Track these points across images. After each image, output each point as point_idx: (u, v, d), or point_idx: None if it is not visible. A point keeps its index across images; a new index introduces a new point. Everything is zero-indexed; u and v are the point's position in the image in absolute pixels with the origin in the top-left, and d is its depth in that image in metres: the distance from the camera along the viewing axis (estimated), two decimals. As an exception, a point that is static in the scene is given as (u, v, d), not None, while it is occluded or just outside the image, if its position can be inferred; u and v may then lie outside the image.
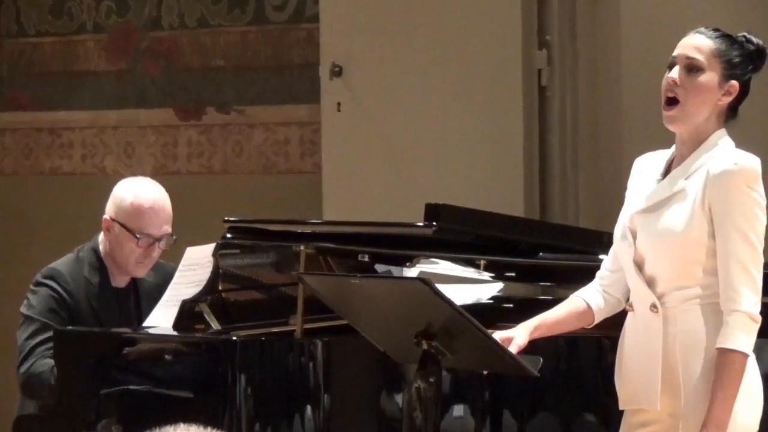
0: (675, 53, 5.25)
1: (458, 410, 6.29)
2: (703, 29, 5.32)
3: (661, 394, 5.21)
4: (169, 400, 6.02)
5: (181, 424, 2.41)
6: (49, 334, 6.75)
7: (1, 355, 8.40)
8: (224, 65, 8.42)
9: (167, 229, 6.90)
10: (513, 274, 6.55)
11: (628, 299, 5.41)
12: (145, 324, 6.73)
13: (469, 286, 6.11)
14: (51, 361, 6.68)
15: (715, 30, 5.34)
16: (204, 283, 6.49)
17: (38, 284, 6.99)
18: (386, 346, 5.68)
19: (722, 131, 5.22)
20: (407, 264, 6.55)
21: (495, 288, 5.96)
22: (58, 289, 6.83)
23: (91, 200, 7.61)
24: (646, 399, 5.26)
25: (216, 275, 6.54)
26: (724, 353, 5.02)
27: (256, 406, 6.06)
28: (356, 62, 7.66)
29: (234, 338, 6.21)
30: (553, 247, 6.27)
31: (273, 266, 6.91)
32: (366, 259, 6.59)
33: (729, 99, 5.20)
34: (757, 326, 5.07)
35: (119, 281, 6.96)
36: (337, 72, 7.61)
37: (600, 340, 5.80)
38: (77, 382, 6.49)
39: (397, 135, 7.52)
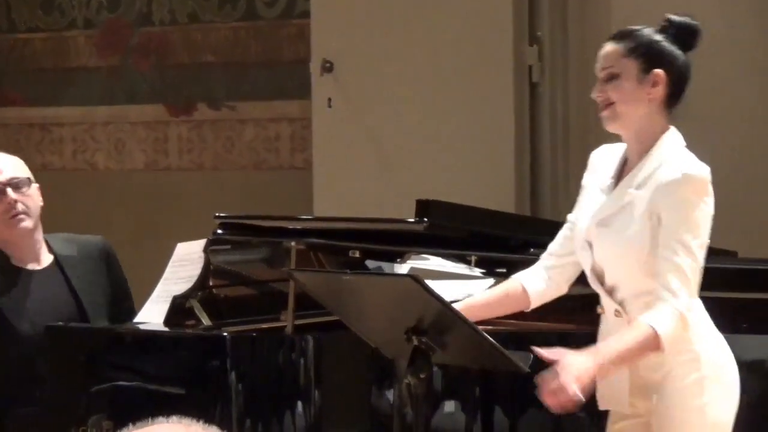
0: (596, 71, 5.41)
1: (449, 406, 6.31)
2: (611, 36, 5.48)
3: (631, 395, 5.35)
4: (160, 395, 6.10)
5: (174, 417, 2.22)
6: None
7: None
8: (215, 61, 8.46)
9: (9, 174, 6.77)
10: (504, 270, 6.49)
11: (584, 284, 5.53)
12: (136, 320, 6.69)
13: (459, 282, 6.14)
14: None
15: (621, 31, 5.50)
16: (195, 279, 6.49)
17: None
18: (377, 341, 5.70)
19: (671, 132, 5.29)
20: (398, 260, 6.50)
21: (486, 284, 6.02)
22: None
23: (82, 196, 7.59)
24: (616, 401, 5.41)
25: (207, 271, 6.53)
26: (645, 326, 5.08)
27: (247, 401, 6.08)
28: (347, 58, 7.69)
29: (224, 334, 6.20)
30: (543, 243, 6.28)
31: (264, 262, 6.94)
32: (357, 255, 6.55)
33: (659, 88, 5.26)
34: (684, 329, 5.19)
35: (26, 262, 6.85)
36: (327, 68, 7.65)
37: (593, 336, 5.70)
38: (68, 378, 6.53)
39: (388, 131, 7.58)
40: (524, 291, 5.49)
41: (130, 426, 2.26)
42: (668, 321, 5.06)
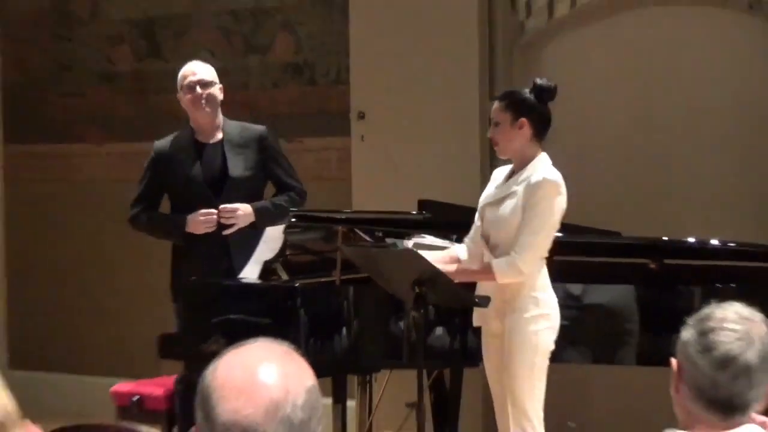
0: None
1: (438, 331, 6.40)
2: (496, 96, 5.89)
3: (493, 319, 5.62)
4: (255, 324, 6.17)
5: (261, 339, 2.37)
6: (143, 187, 6.71)
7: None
8: (290, 111, 8.13)
9: (200, 77, 6.63)
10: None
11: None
12: (240, 276, 6.53)
13: (443, 251, 6.26)
14: (145, 214, 6.65)
15: (503, 92, 5.92)
16: (278, 250, 6.54)
17: None
18: (392, 290, 6.02)
19: (541, 155, 5.61)
20: (406, 238, 6.51)
21: (458, 247, 6.08)
22: (151, 154, 6.70)
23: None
24: (484, 321, 5.71)
25: (285, 245, 6.56)
26: (490, 268, 5.50)
27: (310, 328, 6.20)
28: (373, 110, 7.51)
29: (296, 284, 6.29)
30: None
31: (321, 240, 6.81)
32: (380, 234, 6.62)
33: (525, 130, 5.56)
34: (517, 274, 5.45)
35: (205, 137, 6.71)
36: (361, 116, 7.51)
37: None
38: (199, 312, 6.45)
39: (401, 156, 7.45)
40: (458, 257, 5.79)
41: (236, 344, 2.58)
42: (505, 265, 5.44)
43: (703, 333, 3.10)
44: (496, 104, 5.74)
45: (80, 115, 8.93)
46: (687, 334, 3.13)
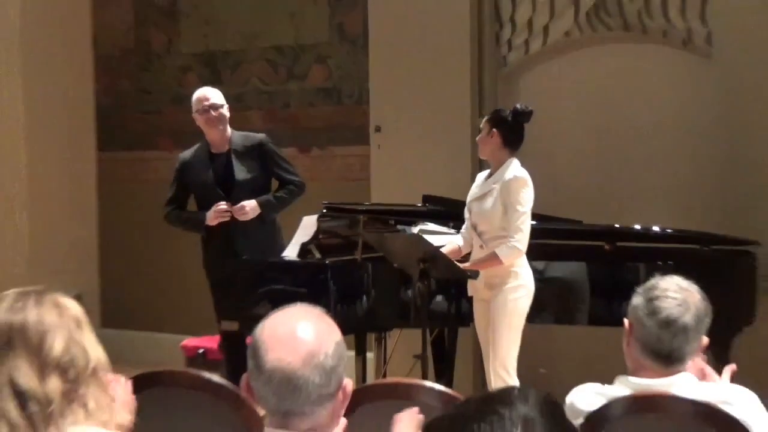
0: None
1: (438, 298, 6.30)
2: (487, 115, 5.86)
3: (483, 289, 5.61)
4: (294, 293, 6.04)
5: (298, 304, 2.44)
6: (173, 190, 6.66)
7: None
8: (322, 125, 8.10)
9: (213, 102, 6.49)
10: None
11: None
12: (283, 254, 6.48)
13: (442, 236, 6.24)
14: (175, 212, 6.61)
15: (492, 111, 5.91)
16: (312, 234, 6.48)
17: None
18: (402, 266, 6.00)
19: (512, 160, 5.61)
20: (413, 225, 6.35)
21: (455, 237, 6.04)
22: (177, 164, 6.60)
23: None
24: (476, 290, 5.70)
25: (318, 230, 6.50)
26: (495, 255, 5.45)
27: (338, 296, 6.11)
28: (387, 124, 7.45)
29: (327, 261, 6.27)
30: None
31: (346, 227, 6.70)
32: (393, 222, 6.62)
33: (496, 139, 5.59)
34: (518, 253, 5.47)
35: (217, 149, 6.53)
36: (378, 129, 7.45)
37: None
38: (248, 284, 6.34)
39: (409, 161, 7.38)
40: (459, 246, 5.77)
41: (280, 308, 2.42)
42: (507, 250, 5.43)
43: (650, 300, 3.12)
44: (483, 119, 5.80)
45: (156, 128, 8.93)
46: (637, 300, 3.15)
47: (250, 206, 6.36)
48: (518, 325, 5.58)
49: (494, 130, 5.62)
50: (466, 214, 5.79)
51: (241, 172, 6.49)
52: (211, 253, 6.57)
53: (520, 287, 5.58)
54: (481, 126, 5.75)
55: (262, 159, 6.52)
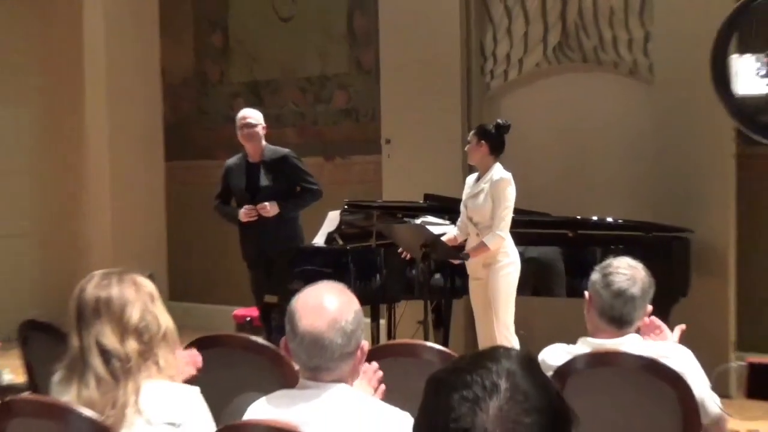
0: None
1: (437, 276, 6.23)
2: (475, 128, 5.77)
3: (480, 269, 5.58)
4: (321, 272, 5.88)
5: (325, 281, 2.46)
6: (220, 188, 6.54)
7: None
8: (342, 137, 8.04)
9: (248, 121, 6.32)
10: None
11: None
12: (314, 242, 6.46)
13: (440, 226, 6.24)
14: (220, 205, 6.51)
15: (477, 126, 5.77)
16: (336, 225, 6.48)
17: None
18: (408, 250, 5.93)
19: (497, 164, 5.58)
20: (416, 217, 6.35)
21: (451, 227, 6.02)
22: (223, 168, 6.50)
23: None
24: (473, 271, 5.67)
25: (341, 223, 6.52)
26: (484, 243, 5.46)
27: (356, 274, 6.07)
28: (396, 137, 7.41)
29: (348, 247, 6.23)
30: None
31: (363, 219, 6.62)
32: (401, 216, 6.51)
33: (484, 148, 5.56)
34: (500, 240, 5.48)
35: (252, 159, 6.37)
36: (387, 142, 7.41)
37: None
38: (285, 265, 6.25)
39: (412, 167, 7.28)
40: (456, 236, 5.76)
41: (310, 284, 2.43)
42: (492, 238, 5.45)
43: (605, 275, 3.12)
44: (471, 132, 5.73)
45: (212, 142, 8.87)
46: (594, 276, 3.16)
47: (270, 205, 6.22)
48: (512, 293, 5.57)
49: (482, 141, 5.57)
50: (462, 209, 5.73)
51: (265, 180, 6.35)
52: (246, 244, 6.47)
53: (510, 264, 5.57)
54: (470, 138, 5.68)
55: (286, 170, 6.36)
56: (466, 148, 5.74)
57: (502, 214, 5.50)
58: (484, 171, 5.63)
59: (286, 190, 6.37)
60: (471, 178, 5.79)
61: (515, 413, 1.29)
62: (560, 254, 6.17)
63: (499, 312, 5.54)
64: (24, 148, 8.81)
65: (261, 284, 6.47)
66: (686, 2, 6.40)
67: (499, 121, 5.69)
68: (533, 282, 6.16)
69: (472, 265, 5.67)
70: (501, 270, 5.56)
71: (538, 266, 6.17)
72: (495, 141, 5.60)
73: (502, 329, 5.50)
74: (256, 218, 6.29)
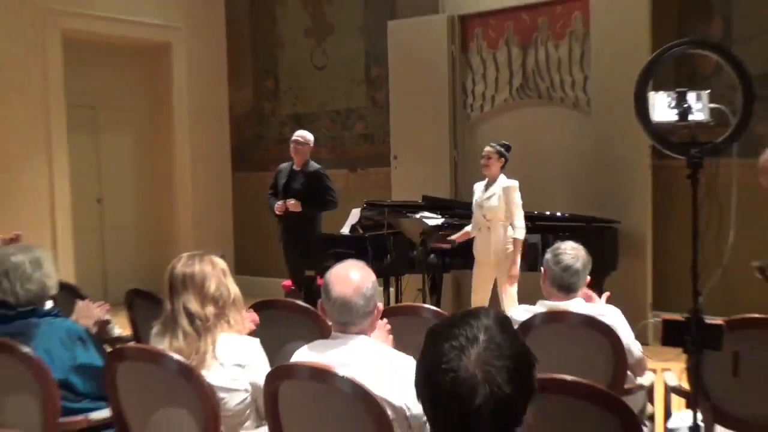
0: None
1: (432, 256, 5.98)
2: (490, 145, 5.47)
3: (491, 254, 5.35)
4: (347, 253, 5.31)
5: (350, 260, 2.42)
6: (272, 184, 6.39)
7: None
8: (363, 156, 7.95)
9: (296, 139, 6.21)
10: (447, 216, 6.12)
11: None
12: (341, 231, 6.32)
13: (434, 219, 6.26)
14: (270, 198, 6.33)
15: (495, 146, 5.43)
16: (357, 219, 6.40)
17: None
18: (410, 237, 5.90)
19: (502, 173, 5.38)
20: (417, 212, 6.12)
21: (468, 226, 5.94)
22: (276, 170, 6.40)
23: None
24: (485, 258, 5.42)
25: (361, 217, 6.43)
26: (517, 239, 5.27)
27: (373, 255, 5.94)
28: (401, 153, 7.33)
29: (366, 235, 6.14)
30: (463, 207, 6.17)
31: (378, 214, 6.44)
32: (405, 212, 6.29)
33: (501, 163, 5.37)
34: (523, 231, 5.29)
35: (297, 167, 6.23)
36: (395, 158, 7.36)
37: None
38: (322, 247, 6.16)
39: (413, 175, 7.18)
40: (469, 232, 5.52)
41: (340, 261, 2.40)
42: (520, 231, 5.27)
43: (555, 255, 3.11)
44: (491, 150, 5.42)
45: (266, 158, 8.79)
46: (548, 255, 3.15)
47: (296, 203, 6.11)
48: (516, 275, 5.33)
49: (502, 158, 5.38)
50: (476, 209, 5.47)
51: (297, 184, 6.22)
52: (281, 232, 6.37)
53: (515, 247, 5.36)
54: (490, 155, 5.41)
55: (315, 181, 6.21)
56: (483, 162, 5.43)
57: (518, 213, 5.29)
58: (493, 179, 5.39)
59: (310, 194, 6.21)
60: (479, 185, 5.51)
61: (490, 358, 1.30)
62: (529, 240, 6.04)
63: (509, 289, 5.30)
64: (130, 164, 8.90)
65: (291, 260, 6.35)
66: (613, 54, 6.35)
67: (507, 143, 5.50)
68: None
69: (483, 252, 5.42)
70: (508, 250, 5.34)
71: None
72: (506, 157, 5.43)
73: (510, 302, 5.27)
74: (283, 211, 6.17)
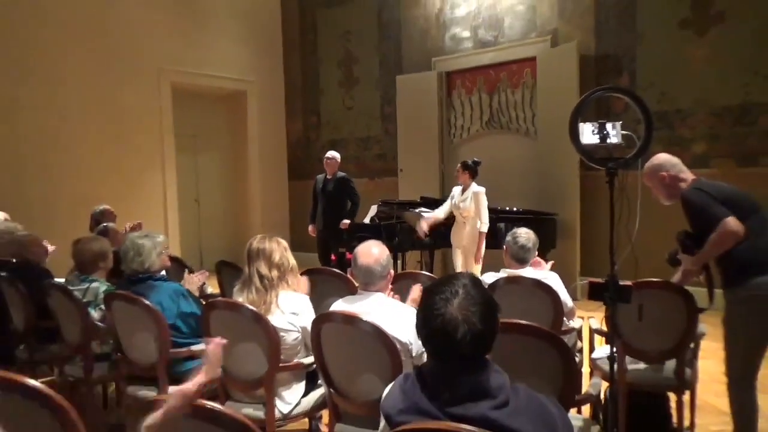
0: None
1: (427, 238, 5.50)
2: (462, 164, 4.99)
3: (463, 240, 5.07)
4: (368, 236, 5.23)
5: (371, 240, 2.34)
6: (312, 191, 5.94)
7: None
8: (377, 169, 7.69)
9: (328, 156, 5.83)
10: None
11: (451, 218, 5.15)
12: (364, 221, 5.96)
13: (430, 213, 6.17)
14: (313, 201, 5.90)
15: (465, 163, 5.04)
16: (374, 214, 6.13)
17: None
18: (412, 224, 5.64)
19: (473, 182, 5.05)
20: (417, 209, 5.79)
21: (436, 212, 5.84)
22: (314, 180, 5.81)
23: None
24: (459, 244, 5.14)
25: (377, 211, 6.17)
26: (481, 232, 4.94)
27: (386, 237, 5.51)
28: (406, 166, 7.17)
29: (381, 224, 5.83)
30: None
31: (389, 209, 6.13)
32: (408, 207, 5.90)
33: (468, 175, 5.02)
34: (486, 227, 4.92)
35: (329, 176, 5.87)
36: (401, 170, 7.22)
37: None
38: (350, 234, 5.71)
39: (414, 183, 7.03)
40: (439, 217, 5.24)
41: (363, 242, 2.34)
42: (484, 226, 4.95)
43: (514, 237, 3.08)
44: (459, 166, 5.08)
45: (311, 171, 8.55)
46: (508, 237, 3.12)
47: (346, 223, 5.66)
48: (481, 256, 5.00)
49: (466, 171, 5.05)
50: (453, 205, 5.12)
51: (327, 190, 5.94)
52: (319, 228, 6.07)
53: (480, 233, 5.02)
54: (458, 169, 5.09)
55: (342, 187, 5.93)
56: (456, 174, 5.14)
57: (484, 211, 5.01)
58: (466, 187, 5.10)
59: (337, 196, 5.94)
60: (457, 189, 5.19)
61: (467, 305, 1.33)
62: (493, 227, 5.73)
63: (474, 266, 5.06)
64: (217, 175, 8.84)
65: (323, 247, 6.04)
66: (553, 98, 6.26)
67: (475, 159, 5.21)
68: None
69: (456, 239, 5.16)
70: (474, 235, 5.06)
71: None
72: (472, 170, 5.11)
73: (476, 271, 4.94)
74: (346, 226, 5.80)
